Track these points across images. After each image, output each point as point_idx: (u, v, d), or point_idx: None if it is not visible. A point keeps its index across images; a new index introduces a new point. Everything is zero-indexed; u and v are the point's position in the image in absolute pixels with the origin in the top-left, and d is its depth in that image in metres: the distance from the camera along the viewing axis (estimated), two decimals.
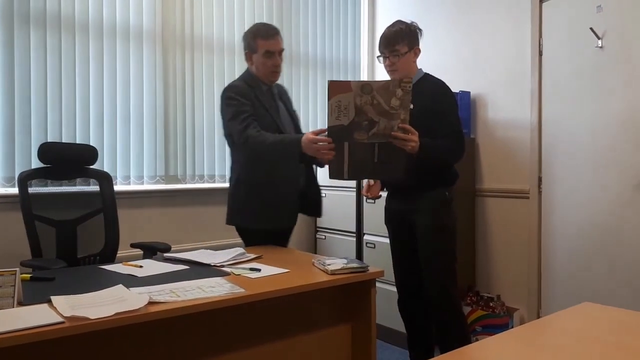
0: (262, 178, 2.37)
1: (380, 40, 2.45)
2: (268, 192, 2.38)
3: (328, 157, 2.05)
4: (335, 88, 1.96)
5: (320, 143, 2.04)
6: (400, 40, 2.39)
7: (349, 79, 3.98)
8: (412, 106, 2.35)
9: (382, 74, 4.15)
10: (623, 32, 2.75)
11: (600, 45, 2.84)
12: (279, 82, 2.58)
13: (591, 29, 2.85)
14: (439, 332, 2.42)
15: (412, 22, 2.47)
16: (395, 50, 2.39)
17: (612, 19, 2.79)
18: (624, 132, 2.75)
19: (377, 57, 2.48)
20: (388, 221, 2.58)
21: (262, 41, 2.39)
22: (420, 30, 2.47)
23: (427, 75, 2.46)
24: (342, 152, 2.05)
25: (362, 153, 2.08)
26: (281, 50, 2.44)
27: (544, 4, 3.11)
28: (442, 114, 2.34)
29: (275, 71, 2.44)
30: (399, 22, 2.46)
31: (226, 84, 3.33)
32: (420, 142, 2.23)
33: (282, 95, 2.58)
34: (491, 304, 3.16)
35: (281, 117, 2.45)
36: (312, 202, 2.57)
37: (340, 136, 2.03)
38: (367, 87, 1.98)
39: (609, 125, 2.81)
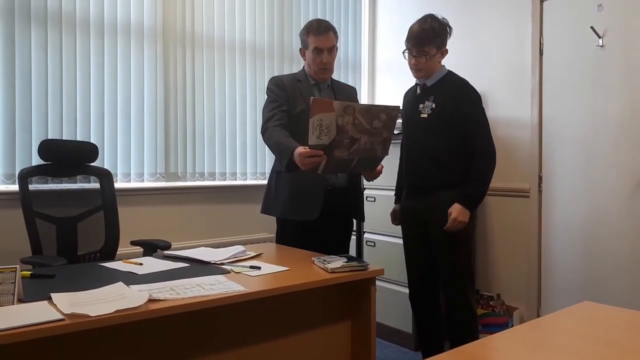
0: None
1: (409, 35, 2.39)
2: (294, 183, 2.41)
3: (308, 167, 2.07)
4: (318, 106, 1.94)
5: (312, 158, 2.03)
6: (431, 41, 2.34)
7: (349, 78, 4.00)
8: (433, 105, 2.37)
9: (382, 74, 4.15)
10: (623, 31, 2.75)
11: (600, 44, 2.83)
12: (353, 85, 2.62)
13: (592, 27, 2.84)
14: (451, 330, 2.44)
15: (443, 18, 2.40)
16: (423, 51, 2.35)
17: (613, 18, 2.79)
18: (624, 130, 2.75)
19: (403, 51, 2.43)
20: (403, 219, 2.59)
21: (313, 37, 2.41)
22: (450, 29, 2.41)
23: (450, 73, 2.45)
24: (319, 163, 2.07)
25: (340, 163, 2.10)
26: (332, 48, 2.42)
27: (544, 3, 3.10)
28: (470, 121, 2.34)
29: (324, 68, 2.43)
30: (431, 18, 2.38)
31: (226, 82, 3.38)
32: (464, 201, 2.29)
33: (338, 92, 2.54)
34: (491, 303, 3.17)
35: None
36: (354, 206, 2.60)
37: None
38: (349, 109, 1.97)
39: (609, 124, 2.81)
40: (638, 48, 2.70)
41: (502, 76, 3.31)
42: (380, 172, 2.31)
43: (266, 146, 3.43)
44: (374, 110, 2.01)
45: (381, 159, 2.20)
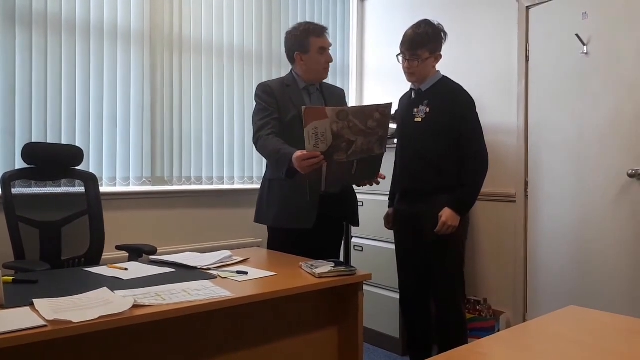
0: (280, 177, 2.33)
1: (402, 40, 2.42)
2: (287, 191, 2.38)
3: (308, 171, 2.03)
4: (311, 115, 1.93)
5: (310, 160, 2.00)
6: (424, 45, 2.37)
7: (338, 83, 4.01)
8: (427, 110, 2.38)
9: (370, 78, 4.17)
10: (608, 39, 2.79)
11: (585, 51, 2.87)
12: (341, 86, 2.67)
13: (577, 35, 2.88)
14: (441, 334, 2.44)
15: (439, 24, 2.43)
16: (416, 55, 2.37)
17: (597, 26, 2.83)
18: (609, 136, 2.79)
19: (397, 55, 2.45)
20: (396, 222, 2.59)
21: (316, 39, 2.40)
22: (445, 34, 2.44)
23: (444, 78, 2.47)
24: (320, 170, 2.05)
25: (341, 169, 2.08)
26: (329, 46, 2.46)
27: (530, 10, 3.14)
28: (464, 126, 2.35)
29: (327, 67, 2.45)
30: (425, 22, 2.41)
31: (214, 86, 3.37)
32: (455, 206, 2.29)
33: (328, 95, 2.53)
34: (478, 307, 3.18)
35: None
36: (349, 212, 2.57)
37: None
38: (342, 114, 1.96)
39: (594, 129, 2.85)
40: (622, 55, 2.74)
41: (488, 82, 3.34)
42: (383, 177, 2.27)
43: (254, 151, 3.49)
44: (367, 111, 2.01)
45: (380, 158, 2.16)
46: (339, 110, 1.97)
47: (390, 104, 2.09)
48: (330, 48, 2.47)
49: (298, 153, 2.05)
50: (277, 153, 2.23)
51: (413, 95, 2.50)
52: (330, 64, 2.47)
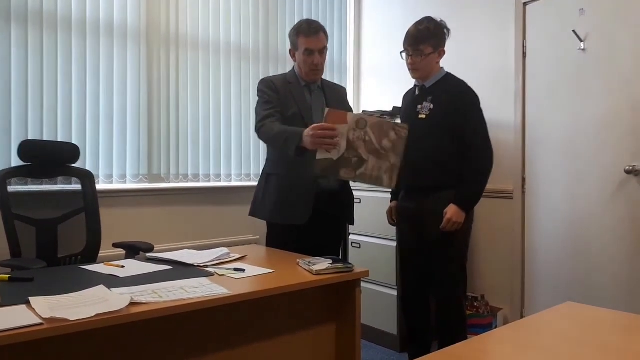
0: (281, 172, 2.33)
1: (405, 37, 2.43)
2: (283, 186, 2.38)
3: (328, 148, 2.03)
4: (333, 118, 1.94)
5: (324, 131, 1.99)
6: (426, 40, 2.38)
7: (335, 81, 4.00)
8: (431, 106, 2.38)
9: (368, 76, 4.16)
10: (605, 35, 2.79)
11: (582, 47, 2.87)
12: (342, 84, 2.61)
13: (574, 31, 2.88)
14: (441, 331, 2.44)
15: (442, 20, 2.44)
16: (419, 50, 2.38)
17: (594, 22, 2.83)
18: (606, 133, 2.79)
19: (400, 52, 2.46)
20: (400, 219, 2.58)
21: (303, 39, 2.38)
22: (448, 30, 2.44)
23: (448, 75, 2.47)
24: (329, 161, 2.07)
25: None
26: (322, 49, 2.40)
27: (527, 6, 3.14)
28: (468, 122, 2.35)
29: (315, 70, 2.41)
30: (427, 19, 2.42)
31: (211, 83, 3.35)
32: (460, 202, 2.30)
33: (330, 94, 2.52)
34: (475, 304, 3.18)
35: (312, 113, 2.41)
36: (345, 210, 2.57)
37: (326, 169, 2.07)
38: (362, 122, 1.97)
39: (591, 126, 2.85)
40: (619, 51, 2.74)
41: (485, 78, 3.33)
42: None
43: (251, 148, 3.49)
44: (384, 127, 2.02)
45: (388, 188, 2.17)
46: (359, 117, 1.99)
47: (408, 126, 2.09)
48: (327, 46, 2.45)
49: (311, 127, 2.05)
50: (284, 132, 2.23)
51: (417, 92, 2.50)
52: (326, 63, 2.46)
